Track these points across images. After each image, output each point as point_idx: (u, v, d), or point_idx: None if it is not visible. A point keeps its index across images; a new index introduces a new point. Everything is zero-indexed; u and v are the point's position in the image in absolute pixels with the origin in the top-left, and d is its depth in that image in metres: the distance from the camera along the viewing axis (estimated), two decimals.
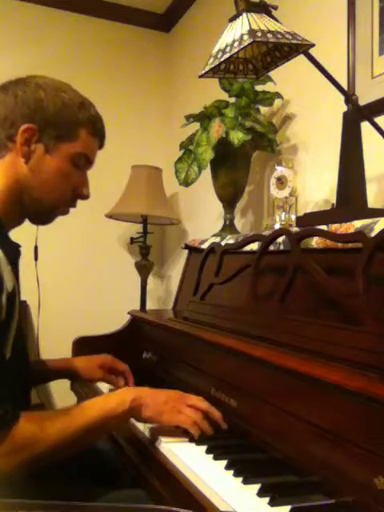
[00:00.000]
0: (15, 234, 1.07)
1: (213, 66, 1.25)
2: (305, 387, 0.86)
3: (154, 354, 1.59)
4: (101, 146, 1.12)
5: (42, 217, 1.09)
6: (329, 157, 1.62)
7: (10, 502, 0.77)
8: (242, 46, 1.14)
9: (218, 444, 0.96)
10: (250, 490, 0.77)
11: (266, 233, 1.29)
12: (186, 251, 1.92)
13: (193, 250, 1.85)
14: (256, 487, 0.77)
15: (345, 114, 1.29)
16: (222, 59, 1.21)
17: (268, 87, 1.88)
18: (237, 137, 1.75)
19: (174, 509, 0.76)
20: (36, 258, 1.55)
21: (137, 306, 2.54)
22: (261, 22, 1.15)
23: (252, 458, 0.93)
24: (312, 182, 1.77)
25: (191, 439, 0.99)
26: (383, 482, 0.67)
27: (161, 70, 3.11)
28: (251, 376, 1.03)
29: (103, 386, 1.44)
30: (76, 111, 1.03)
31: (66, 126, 1.02)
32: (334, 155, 1.32)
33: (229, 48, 1.19)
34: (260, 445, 0.95)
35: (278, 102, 1.96)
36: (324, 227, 1.09)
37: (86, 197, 1.10)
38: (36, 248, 1.53)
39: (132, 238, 2.62)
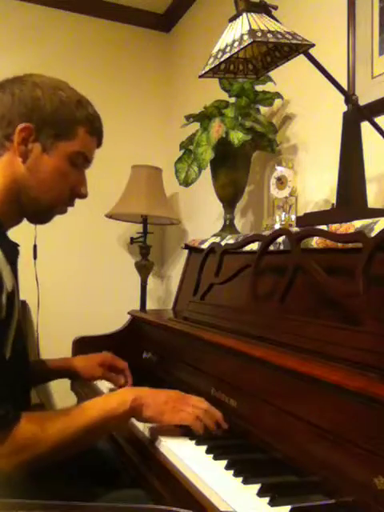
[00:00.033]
0: (14, 233, 1.07)
1: (213, 66, 1.25)
2: (305, 387, 0.86)
3: (154, 353, 1.59)
4: (99, 144, 1.11)
5: (40, 216, 1.09)
6: (329, 157, 1.62)
7: (11, 501, 0.77)
8: (241, 46, 1.14)
9: (217, 444, 0.96)
10: (250, 490, 0.77)
11: (266, 233, 1.29)
12: (186, 251, 1.92)
13: (193, 249, 1.85)
14: (256, 487, 0.77)
15: (345, 113, 1.29)
16: (222, 59, 1.21)
17: (268, 87, 1.88)
18: (237, 137, 1.75)
19: (174, 509, 0.76)
20: (35, 257, 1.55)
21: (137, 306, 2.54)
22: (261, 22, 1.15)
23: (252, 457, 0.92)
24: (312, 182, 1.77)
25: (192, 437, 0.99)
26: (383, 481, 0.67)
27: (161, 69, 3.11)
28: (251, 376, 1.03)
29: (103, 386, 1.44)
30: (73, 110, 1.02)
31: (63, 125, 1.01)
32: (334, 155, 1.32)
33: (229, 48, 1.19)
34: (260, 445, 0.95)
35: (278, 102, 1.96)
36: (324, 227, 1.09)
37: (84, 196, 1.09)
38: (35, 247, 1.53)
39: (132, 238, 2.62)
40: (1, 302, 0.89)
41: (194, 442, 0.98)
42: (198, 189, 2.21)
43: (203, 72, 1.29)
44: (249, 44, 1.13)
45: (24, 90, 1.00)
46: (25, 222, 1.10)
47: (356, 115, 1.28)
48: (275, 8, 1.23)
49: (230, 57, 1.19)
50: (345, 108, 1.29)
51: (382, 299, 0.89)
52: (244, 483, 0.80)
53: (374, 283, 0.89)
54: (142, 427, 1.08)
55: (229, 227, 1.98)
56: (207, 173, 1.96)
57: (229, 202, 1.99)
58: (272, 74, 1.68)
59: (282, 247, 1.21)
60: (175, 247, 2.93)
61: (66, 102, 1.01)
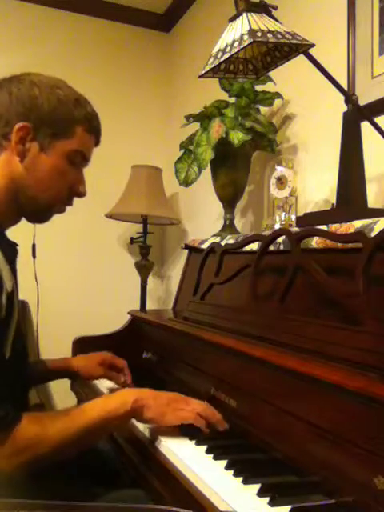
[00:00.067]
0: (13, 233, 1.06)
1: (213, 66, 1.25)
2: (305, 387, 0.86)
3: (154, 353, 1.59)
4: (97, 143, 1.11)
5: (39, 215, 1.09)
6: (329, 157, 1.62)
7: (11, 501, 0.78)
8: (241, 46, 1.14)
9: (217, 444, 0.96)
10: (250, 490, 0.77)
11: (266, 233, 1.29)
12: (186, 251, 1.92)
13: (193, 249, 1.85)
14: (256, 487, 0.77)
15: (345, 113, 1.29)
16: (222, 59, 1.21)
17: (268, 87, 1.88)
18: (237, 137, 1.75)
19: (174, 509, 0.76)
20: (34, 256, 1.55)
21: (137, 305, 2.54)
22: (261, 22, 1.15)
23: (252, 458, 0.92)
24: (312, 182, 1.77)
25: (192, 437, 0.99)
26: (383, 481, 0.67)
27: (161, 69, 3.11)
28: (251, 376, 1.03)
29: (102, 386, 1.44)
30: (71, 108, 1.02)
31: (61, 124, 1.01)
32: (334, 155, 1.32)
33: (229, 48, 1.19)
34: (260, 445, 0.95)
35: (277, 102, 1.96)
36: (324, 227, 1.09)
37: (82, 194, 1.09)
38: (34, 246, 1.53)
39: (132, 238, 2.62)
40: (1, 301, 0.89)
41: (193, 442, 0.98)
42: (197, 189, 2.21)
43: (203, 72, 1.29)
44: (249, 44, 1.13)
45: (21, 89, 0.99)
46: (24, 221, 1.10)
47: (356, 115, 1.28)
48: (275, 8, 1.23)
49: (229, 57, 1.19)
50: (345, 108, 1.29)
51: (382, 299, 0.89)
52: (244, 483, 0.80)
53: (374, 283, 0.89)
54: (142, 427, 1.08)
55: (229, 227, 1.98)
56: (207, 173, 1.96)
57: (229, 201, 1.99)
58: (272, 74, 1.68)
59: (282, 247, 1.21)
60: (175, 247, 2.93)
61: (63, 101, 1.01)
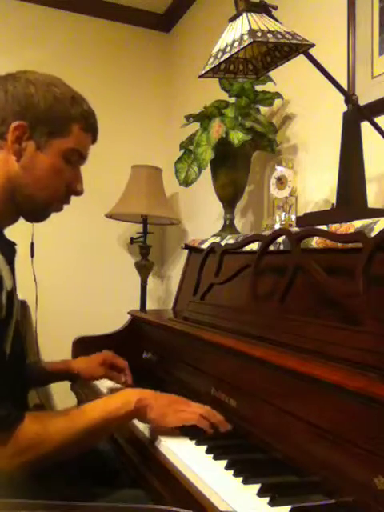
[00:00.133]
0: (11, 231, 1.06)
1: (213, 66, 1.25)
2: (305, 387, 0.86)
3: (154, 353, 1.59)
4: (94, 140, 1.10)
5: (36, 214, 1.08)
6: (329, 157, 1.62)
7: (12, 502, 0.78)
8: (242, 46, 1.14)
9: (217, 444, 0.96)
10: (250, 490, 0.77)
11: (266, 233, 1.29)
12: (186, 251, 1.92)
13: (193, 249, 1.85)
14: (256, 487, 0.77)
15: (345, 113, 1.29)
16: (222, 59, 1.21)
17: (268, 87, 1.88)
18: (237, 137, 1.75)
19: (174, 509, 0.76)
20: (32, 255, 1.55)
21: (137, 306, 2.54)
22: (261, 22, 1.15)
23: (252, 457, 0.93)
24: (312, 182, 1.77)
25: (192, 437, 0.99)
26: (383, 481, 0.67)
27: (161, 70, 3.11)
28: (251, 376, 1.03)
29: (103, 386, 1.44)
30: (68, 106, 1.01)
31: (57, 122, 1.00)
32: (334, 155, 1.32)
33: (229, 48, 1.19)
34: (260, 445, 0.95)
35: (277, 102, 1.96)
36: (324, 227, 1.09)
37: (79, 193, 1.08)
38: (32, 245, 1.53)
39: (132, 238, 2.62)
40: (1, 301, 0.89)
41: (194, 442, 0.98)
42: (197, 189, 2.21)
43: (203, 72, 1.29)
44: (249, 44, 1.13)
45: (17, 87, 0.99)
46: (22, 220, 1.09)
47: (356, 115, 1.28)
48: (275, 8, 1.23)
49: (229, 57, 1.19)
50: (345, 108, 1.29)
51: (382, 299, 0.89)
52: (244, 483, 0.80)
53: (374, 283, 0.89)
54: (143, 427, 1.08)
55: (229, 227, 1.98)
56: (207, 173, 1.96)
57: (229, 201, 1.99)
58: (272, 74, 1.68)
59: (282, 247, 1.21)
60: (175, 247, 2.93)
61: (60, 99, 1.00)
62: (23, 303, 2.30)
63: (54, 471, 0.93)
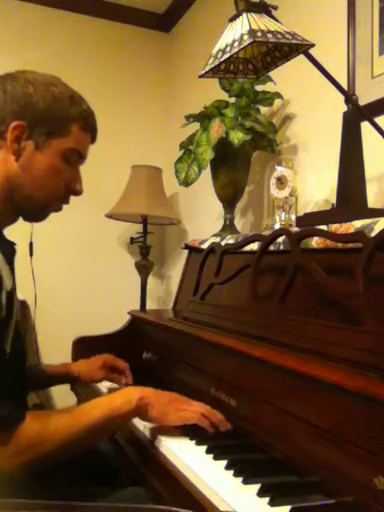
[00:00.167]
0: (10, 231, 1.06)
1: (213, 66, 1.25)
2: (305, 387, 0.86)
3: (154, 354, 1.59)
4: (93, 140, 1.10)
5: (35, 214, 1.08)
6: (329, 157, 1.62)
7: (13, 502, 0.78)
8: (242, 46, 1.14)
9: (217, 444, 0.96)
10: (250, 489, 0.77)
11: (266, 233, 1.29)
12: (186, 251, 1.92)
13: (193, 249, 1.85)
14: (256, 487, 0.77)
15: (345, 113, 1.29)
16: (222, 59, 1.21)
17: (268, 87, 1.88)
18: (237, 137, 1.75)
19: (174, 509, 0.76)
20: (31, 254, 1.55)
21: (137, 306, 2.54)
22: (261, 22, 1.15)
23: (252, 457, 0.93)
24: (312, 182, 1.77)
25: (192, 437, 0.99)
26: (383, 481, 0.67)
27: (161, 70, 3.11)
28: (251, 376, 1.03)
29: (103, 386, 1.44)
30: (67, 106, 1.01)
31: (56, 122, 1.00)
32: (334, 155, 1.32)
33: (229, 48, 1.19)
34: (260, 445, 0.95)
35: (277, 102, 1.96)
36: (324, 227, 1.09)
37: (79, 192, 1.08)
38: (31, 244, 1.53)
39: (132, 238, 2.62)
40: (0, 301, 0.89)
41: (194, 442, 0.98)
42: (198, 189, 2.21)
43: (203, 72, 1.29)
44: (249, 44, 1.13)
45: (16, 87, 0.98)
46: (21, 219, 1.09)
47: (356, 115, 1.28)
48: (275, 8, 1.23)
49: (230, 57, 1.19)
50: (345, 108, 1.29)
51: (382, 299, 0.89)
52: (244, 483, 0.80)
53: (374, 283, 0.89)
54: (143, 427, 1.08)
55: (229, 227, 1.98)
56: (207, 173, 1.96)
57: (229, 201, 1.99)
58: (272, 74, 1.68)
59: (282, 247, 1.21)
60: (175, 247, 2.93)
61: (59, 99, 1.00)
62: (23, 303, 2.30)
63: (54, 471, 0.93)
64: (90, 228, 2.83)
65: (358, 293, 0.89)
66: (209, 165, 1.86)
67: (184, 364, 1.37)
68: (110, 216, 2.66)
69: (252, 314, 1.17)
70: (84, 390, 1.54)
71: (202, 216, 2.61)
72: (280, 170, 1.66)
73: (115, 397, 1.00)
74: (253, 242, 1.30)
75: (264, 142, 1.87)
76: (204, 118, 1.91)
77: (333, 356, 0.87)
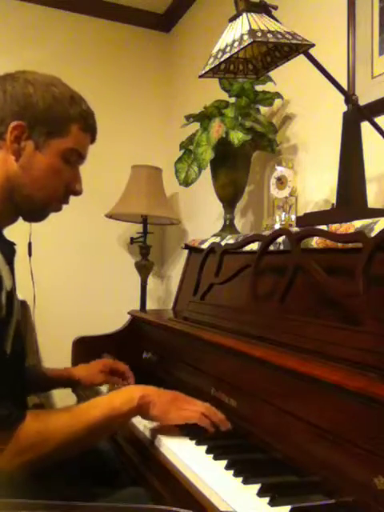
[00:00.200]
0: (9, 231, 1.06)
1: (213, 66, 1.25)
2: (305, 387, 0.86)
3: (154, 354, 1.59)
4: (93, 140, 1.10)
5: (35, 214, 1.08)
6: (329, 157, 1.62)
7: (13, 502, 0.78)
8: (242, 46, 1.14)
9: (217, 444, 0.96)
10: (250, 489, 0.77)
11: (266, 233, 1.29)
12: (186, 251, 1.92)
13: (193, 249, 1.85)
14: (256, 487, 0.77)
15: (345, 113, 1.29)
16: (222, 59, 1.21)
17: (268, 87, 1.88)
18: (237, 137, 1.75)
19: (174, 509, 0.76)
20: (30, 255, 1.55)
21: (137, 306, 2.54)
22: (261, 22, 1.15)
23: (252, 457, 0.92)
24: (312, 182, 1.77)
25: (192, 437, 0.99)
26: (383, 481, 0.67)
27: (161, 70, 3.11)
28: (251, 376, 1.03)
29: (103, 386, 1.44)
30: (67, 106, 1.01)
31: (56, 122, 1.00)
32: (334, 155, 1.32)
33: (229, 48, 1.19)
34: (260, 445, 0.95)
35: (277, 102, 1.96)
36: (324, 227, 1.10)
37: (78, 193, 1.08)
38: (30, 244, 1.53)
39: (132, 238, 2.62)
40: (0, 301, 0.89)
41: (194, 442, 0.98)
42: (197, 189, 2.21)
43: (203, 72, 1.29)
44: (249, 44, 1.13)
45: (16, 87, 0.98)
46: (20, 219, 1.09)
47: (356, 115, 1.28)
48: (275, 8, 1.23)
49: (230, 57, 1.19)
50: (345, 108, 1.29)
51: (382, 299, 0.89)
52: (244, 483, 0.80)
53: (374, 283, 0.89)
54: (143, 427, 1.08)
55: (229, 227, 1.98)
56: (207, 173, 1.96)
57: (229, 201, 1.99)
58: (272, 74, 1.68)
59: (282, 247, 1.21)
60: (175, 247, 2.93)
61: (58, 99, 1.00)
62: (23, 303, 2.30)
63: (54, 471, 0.93)
64: (89, 228, 2.83)
65: (358, 293, 0.89)
66: (209, 165, 1.86)
67: (184, 364, 1.37)
68: (110, 216, 2.66)
69: (252, 313, 1.17)
70: (85, 391, 1.54)
71: (202, 216, 2.61)
72: (280, 170, 1.66)
73: (116, 396, 1.00)
74: (253, 241, 1.30)
75: (264, 142, 1.87)
76: (204, 117, 1.91)
77: (333, 356, 0.87)
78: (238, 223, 2.12)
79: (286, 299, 1.09)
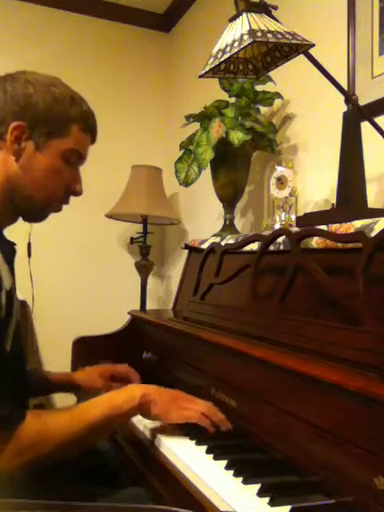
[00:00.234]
0: (8, 231, 1.06)
1: (213, 66, 1.25)
2: (305, 387, 0.86)
3: (154, 354, 1.59)
4: (93, 141, 1.10)
5: (35, 214, 1.08)
6: (329, 157, 1.62)
7: (13, 502, 0.78)
8: (242, 46, 1.14)
9: (218, 444, 0.96)
10: (250, 490, 0.77)
11: (266, 233, 1.29)
12: (186, 251, 1.92)
13: (193, 249, 1.85)
14: (256, 487, 0.77)
15: (345, 113, 1.29)
16: (222, 59, 1.21)
17: (268, 87, 1.88)
18: (237, 137, 1.75)
19: (174, 509, 0.76)
20: (29, 255, 1.55)
21: (137, 306, 2.54)
22: (261, 22, 1.15)
23: (252, 457, 0.92)
24: (312, 182, 1.77)
25: (192, 437, 0.99)
26: (383, 481, 0.67)
27: (161, 70, 3.11)
28: (251, 376, 1.03)
29: (103, 391, 1.44)
30: (67, 107, 1.01)
31: (56, 123, 1.00)
32: (334, 155, 1.32)
33: (229, 48, 1.19)
34: (260, 445, 0.95)
35: (277, 102, 1.96)
36: (324, 227, 1.09)
37: (78, 193, 1.08)
38: (29, 245, 1.53)
39: (132, 238, 2.62)
40: (0, 300, 0.89)
41: (194, 442, 0.98)
42: (197, 189, 2.21)
43: (203, 72, 1.29)
44: (249, 44, 1.13)
45: (16, 88, 0.98)
46: (19, 219, 1.09)
47: (356, 115, 1.28)
48: (275, 8, 1.23)
49: (230, 57, 1.19)
50: (345, 108, 1.29)
51: (382, 299, 0.89)
52: (244, 483, 0.80)
53: (374, 283, 0.89)
54: (143, 427, 1.08)
55: (229, 227, 1.98)
56: (207, 173, 1.96)
57: (229, 201, 1.99)
58: (272, 74, 1.68)
59: (282, 247, 1.21)
60: (175, 247, 2.93)
61: (59, 99, 1.00)
62: (23, 303, 2.30)
63: (54, 471, 0.93)
64: (89, 228, 2.83)
65: (358, 293, 0.89)
66: (209, 165, 1.86)
67: (184, 364, 1.37)
68: (110, 216, 2.66)
69: (252, 313, 1.17)
70: (86, 396, 1.53)
71: (202, 216, 2.61)
72: (280, 170, 1.66)
73: (116, 395, 1.00)
74: (253, 241, 1.30)
75: (264, 142, 1.87)
76: (204, 117, 1.91)
77: (333, 356, 0.87)
78: (238, 223, 2.12)
79: (286, 299, 1.09)
